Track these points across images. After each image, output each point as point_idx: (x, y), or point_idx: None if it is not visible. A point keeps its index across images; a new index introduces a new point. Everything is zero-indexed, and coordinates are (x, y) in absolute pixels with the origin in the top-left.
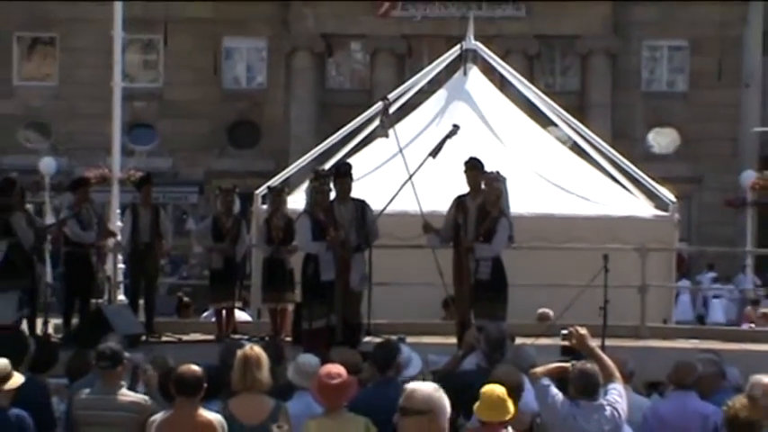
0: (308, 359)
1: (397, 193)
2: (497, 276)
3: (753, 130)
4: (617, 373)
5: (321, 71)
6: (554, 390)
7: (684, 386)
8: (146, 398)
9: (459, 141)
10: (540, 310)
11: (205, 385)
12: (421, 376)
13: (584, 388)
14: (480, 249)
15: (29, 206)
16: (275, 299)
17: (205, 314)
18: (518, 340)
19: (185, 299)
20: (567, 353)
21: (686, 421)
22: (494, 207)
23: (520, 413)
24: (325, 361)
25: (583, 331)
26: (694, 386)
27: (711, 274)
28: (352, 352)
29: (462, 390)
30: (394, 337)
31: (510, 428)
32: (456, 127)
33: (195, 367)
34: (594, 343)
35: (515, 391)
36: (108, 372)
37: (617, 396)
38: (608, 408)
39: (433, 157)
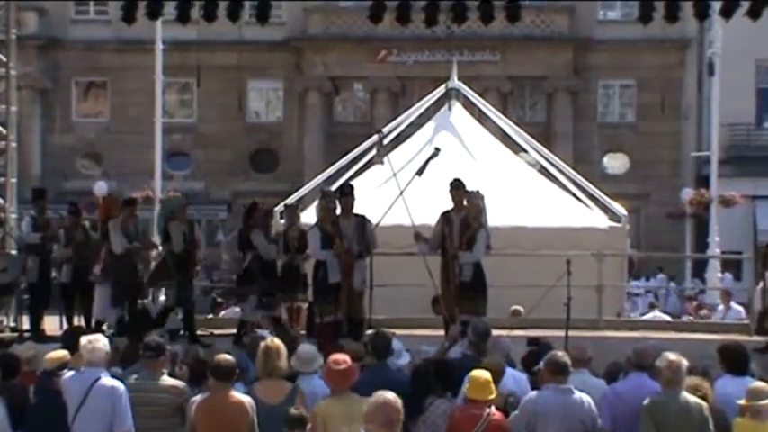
0: (307, 348)
1: (390, 207)
2: (478, 278)
3: (691, 154)
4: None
5: (329, 107)
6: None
7: (641, 368)
8: (183, 383)
9: (444, 165)
10: (513, 307)
11: (237, 371)
12: (410, 364)
13: (555, 372)
14: (463, 256)
15: (86, 222)
16: (291, 299)
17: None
18: (494, 332)
19: (219, 299)
20: (533, 343)
21: (641, 398)
22: (474, 220)
23: (498, 394)
24: (332, 350)
25: None
26: (649, 368)
27: (662, 276)
28: (356, 343)
29: (452, 373)
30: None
31: (492, 407)
32: (437, 150)
33: (229, 356)
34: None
35: (498, 376)
36: (152, 361)
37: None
38: (576, 391)
39: (419, 175)
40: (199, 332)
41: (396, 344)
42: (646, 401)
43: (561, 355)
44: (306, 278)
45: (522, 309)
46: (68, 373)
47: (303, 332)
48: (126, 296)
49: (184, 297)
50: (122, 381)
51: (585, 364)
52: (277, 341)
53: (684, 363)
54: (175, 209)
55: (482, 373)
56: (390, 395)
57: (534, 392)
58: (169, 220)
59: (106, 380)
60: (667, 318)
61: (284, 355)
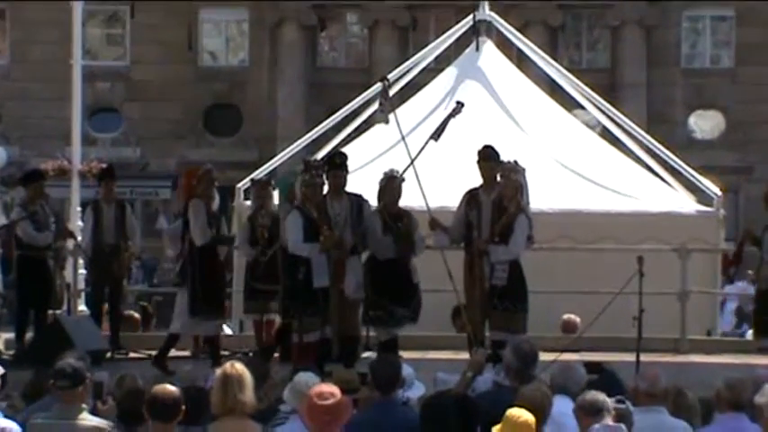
0: (307, 378)
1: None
2: (516, 282)
3: None
4: None
5: (312, 46)
6: None
7: (737, 407)
8: (110, 423)
9: (471, 127)
10: (566, 317)
11: (183, 408)
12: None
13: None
14: (496, 251)
15: None
16: (260, 309)
17: None
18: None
19: (149, 308)
20: (592, 370)
21: None
22: (511, 202)
23: None
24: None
25: None
26: (747, 407)
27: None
28: (348, 370)
29: (478, 412)
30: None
31: None
32: (460, 104)
33: (171, 388)
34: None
35: (543, 414)
36: (67, 393)
37: None
38: None
39: (435, 139)
40: (133, 354)
41: (405, 371)
42: None
43: (595, 394)
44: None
45: (577, 319)
46: None
47: (276, 355)
48: (31, 305)
49: (111, 305)
50: (21, 423)
51: (661, 400)
52: (239, 367)
53: None
54: (290, 187)
55: (521, 413)
56: None
57: None
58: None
59: None
60: None
61: (249, 385)
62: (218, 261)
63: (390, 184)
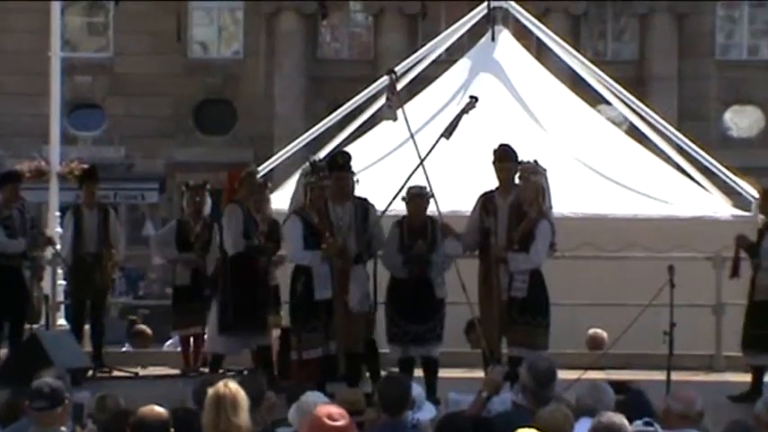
0: (315, 398)
1: (404, 186)
2: (537, 294)
3: None
4: None
5: (312, 36)
6: None
7: None
8: None
9: (486, 124)
10: (592, 331)
11: (171, 431)
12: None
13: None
14: (515, 260)
15: None
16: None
17: (168, 342)
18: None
19: (139, 324)
20: (619, 390)
21: None
22: (532, 206)
23: None
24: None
25: None
26: None
27: None
28: (354, 390)
29: None
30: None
31: None
32: (473, 99)
33: (160, 409)
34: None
35: None
36: (45, 415)
37: None
38: None
39: (447, 137)
40: (117, 373)
41: (415, 391)
42: None
43: (612, 416)
44: (278, 292)
45: (604, 335)
46: None
47: (275, 372)
48: (5, 319)
49: (93, 319)
50: None
51: (694, 423)
52: (233, 386)
53: None
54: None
55: None
56: None
57: None
58: None
59: None
60: None
61: (245, 406)
62: (254, 271)
63: (416, 202)
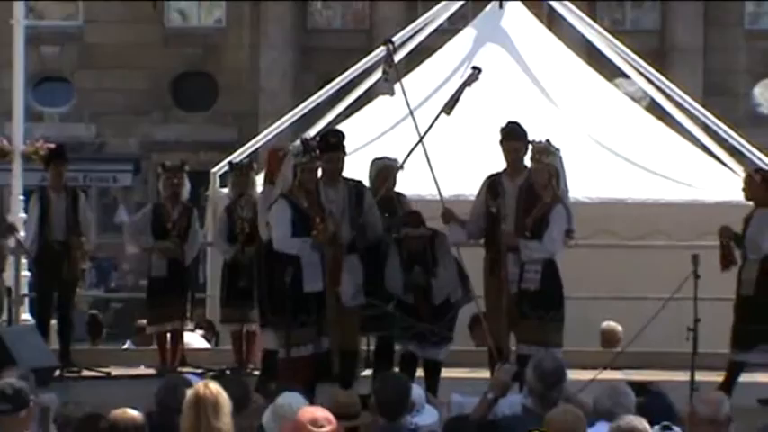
0: (292, 399)
1: (404, 162)
2: (550, 286)
3: None
4: None
5: (302, 4)
6: None
7: None
8: None
9: (492, 99)
10: (605, 324)
11: None
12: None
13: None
14: (528, 248)
15: None
16: (239, 317)
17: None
18: (573, 373)
19: (99, 318)
20: (638, 391)
21: None
22: (546, 190)
23: None
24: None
25: None
26: None
27: None
28: (347, 392)
29: None
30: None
31: None
32: (476, 70)
33: (133, 412)
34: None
35: None
36: (7, 418)
37: None
38: None
39: (447, 113)
40: (86, 372)
41: (415, 392)
42: None
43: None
44: None
45: (619, 329)
46: None
47: (257, 372)
48: None
49: (61, 314)
50: None
51: (722, 427)
52: (215, 387)
53: None
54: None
55: None
56: None
57: None
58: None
59: None
60: None
61: (227, 409)
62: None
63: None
